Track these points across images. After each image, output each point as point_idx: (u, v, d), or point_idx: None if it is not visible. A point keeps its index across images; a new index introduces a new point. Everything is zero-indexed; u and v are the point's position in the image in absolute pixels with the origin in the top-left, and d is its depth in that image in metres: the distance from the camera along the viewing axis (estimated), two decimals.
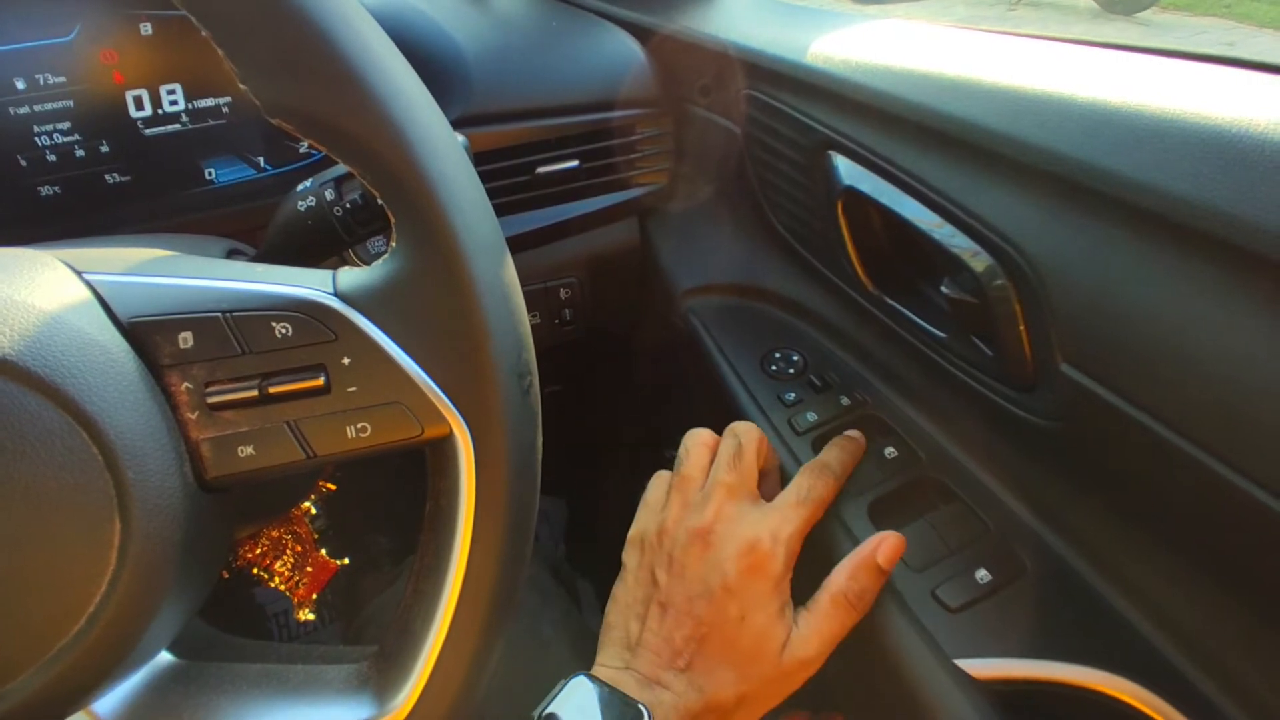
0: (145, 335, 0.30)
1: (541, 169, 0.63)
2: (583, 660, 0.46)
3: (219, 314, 0.30)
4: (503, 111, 0.61)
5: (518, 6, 0.70)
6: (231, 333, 0.30)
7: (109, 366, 0.28)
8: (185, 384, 0.30)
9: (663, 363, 0.75)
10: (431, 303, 0.30)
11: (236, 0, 0.27)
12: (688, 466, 0.50)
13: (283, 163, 0.62)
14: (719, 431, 0.52)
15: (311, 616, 0.62)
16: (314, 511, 0.64)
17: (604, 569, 0.98)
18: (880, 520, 0.50)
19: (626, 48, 0.66)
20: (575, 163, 0.64)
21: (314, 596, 0.56)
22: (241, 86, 0.29)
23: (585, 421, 0.86)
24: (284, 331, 0.30)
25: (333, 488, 0.65)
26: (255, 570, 0.57)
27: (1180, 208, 0.32)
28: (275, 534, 0.59)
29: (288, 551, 0.58)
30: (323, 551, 0.61)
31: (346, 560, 0.61)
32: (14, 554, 0.27)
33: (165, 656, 0.34)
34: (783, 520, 0.46)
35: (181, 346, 0.30)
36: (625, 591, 0.49)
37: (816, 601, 0.46)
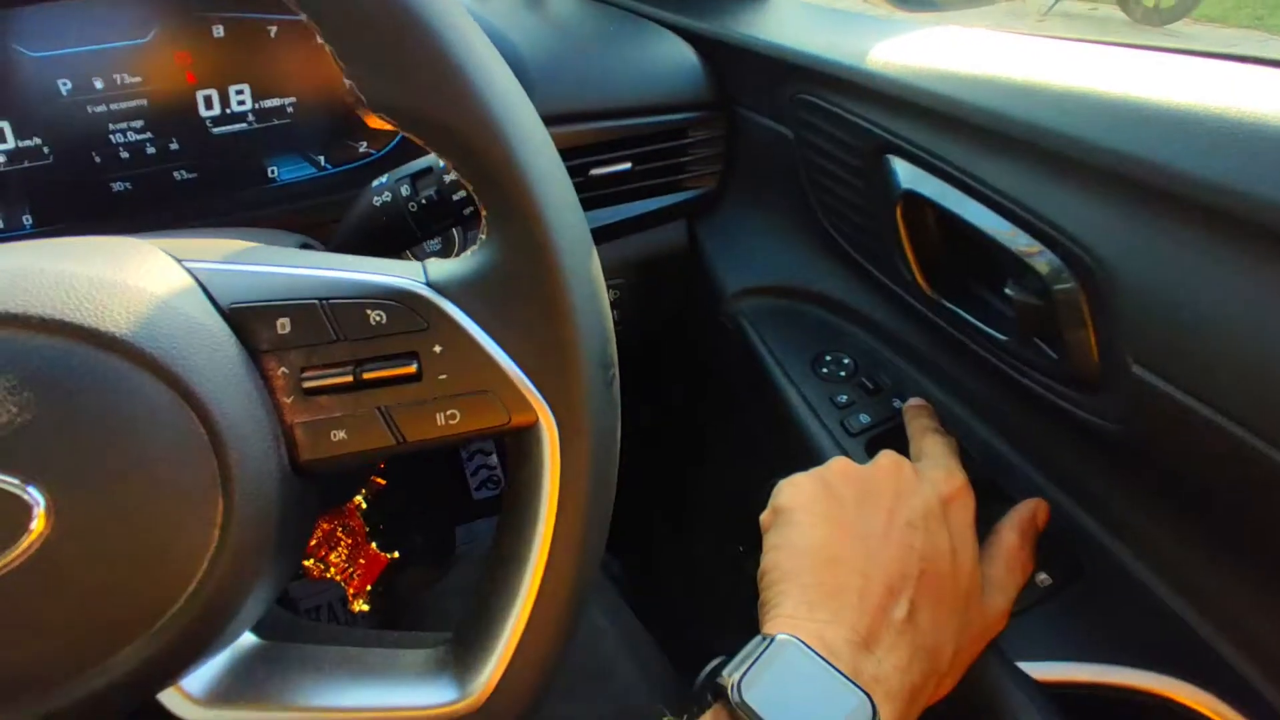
0: (245, 321, 0.31)
1: (595, 171, 0.64)
2: (633, 653, 0.46)
3: (315, 301, 0.31)
4: (559, 114, 0.62)
5: (574, 11, 0.72)
6: (328, 319, 0.31)
7: (214, 349, 0.29)
8: (282, 369, 0.31)
9: (711, 364, 0.75)
10: (522, 294, 0.31)
11: (345, 1, 0.28)
12: None
13: (342, 161, 0.63)
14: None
15: (366, 607, 0.63)
16: (364, 505, 0.65)
17: (640, 570, 0.99)
18: None
19: (680, 52, 0.67)
20: (628, 165, 0.65)
21: (368, 588, 0.57)
22: (346, 83, 0.30)
23: (630, 421, 0.87)
24: (378, 319, 0.31)
25: (383, 483, 0.66)
26: (311, 561, 0.58)
27: (1263, 211, 0.32)
28: (328, 526, 0.60)
29: (341, 544, 0.59)
30: (373, 545, 0.62)
31: (396, 554, 0.62)
32: (122, 528, 0.28)
33: (248, 637, 0.35)
34: (949, 460, 0.47)
35: (280, 332, 0.31)
36: (800, 534, 0.42)
37: (993, 558, 0.44)
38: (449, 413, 0.31)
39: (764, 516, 0.45)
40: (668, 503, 0.88)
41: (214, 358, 0.29)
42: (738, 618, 0.80)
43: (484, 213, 0.31)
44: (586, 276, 0.32)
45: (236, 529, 0.29)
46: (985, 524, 0.48)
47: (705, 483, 0.79)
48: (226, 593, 0.30)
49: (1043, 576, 0.46)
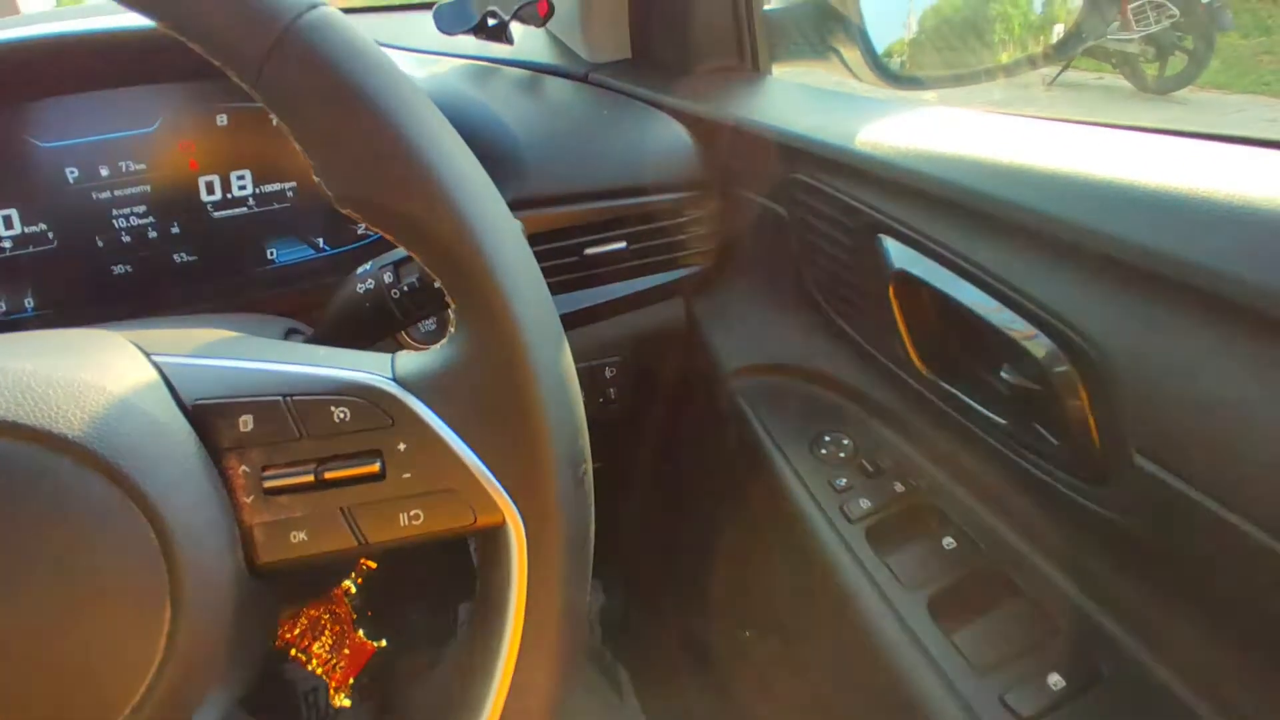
0: (208, 417, 0.30)
1: (590, 250, 0.64)
2: None
3: (279, 397, 0.30)
4: (554, 195, 0.63)
5: (569, 94, 0.73)
6: (291, 416, 0.30)
7: (171, 449, 0.29)
8: (243, 467, 0.30)
9: (707, 443, 0.74)
10: (489, 390, 0.30)
11: (313, 100, 0.28)
12: None
13: (340, 244, 0.64)
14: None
15: (348, 703, 0.60)
16: (354, 590, 0.63)
17: (643, 657, 0.95)
18: (941, 616, 0.47)
19: (674, 134, 0.68)
20: (623, 244, 0.65)
21: (350, 680, 0.55)
22: (315, 179, 0.30)
23: (626, 500, 0.85)
24: (342, 416, 0.30)
25: (374, 565, 0.64)
26: (293, 651, 0.56)
27: (1257, 297, 0.31)
28: (314, 613, 0.58)
29: (326, 632, 0.57)
30: (360, 632, 0.60)
31: (384, 642, 0.60)
32: (64, 637, 0.27)
33: None
34: None
35: (242, 430, 0.30)
36: None
37: None
38: (412, 513, 0.30)
39: None
40: (670, 586, 0.85)
41: (171, 458, 0.28)
42: (739, 702, 0.76)
43: (452, 306, 0.31)
44: (556, 371, 0.31)
45: (185, 638, 0.28)
46: (1002, 623, 0.46)
47: (708, 566, 0.77)
48: (176, 703, 0.28)
49: (1055, 678, 0.43)
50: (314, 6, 0.28)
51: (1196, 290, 0.34)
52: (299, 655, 0.56)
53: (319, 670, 0.56)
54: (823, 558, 0.53)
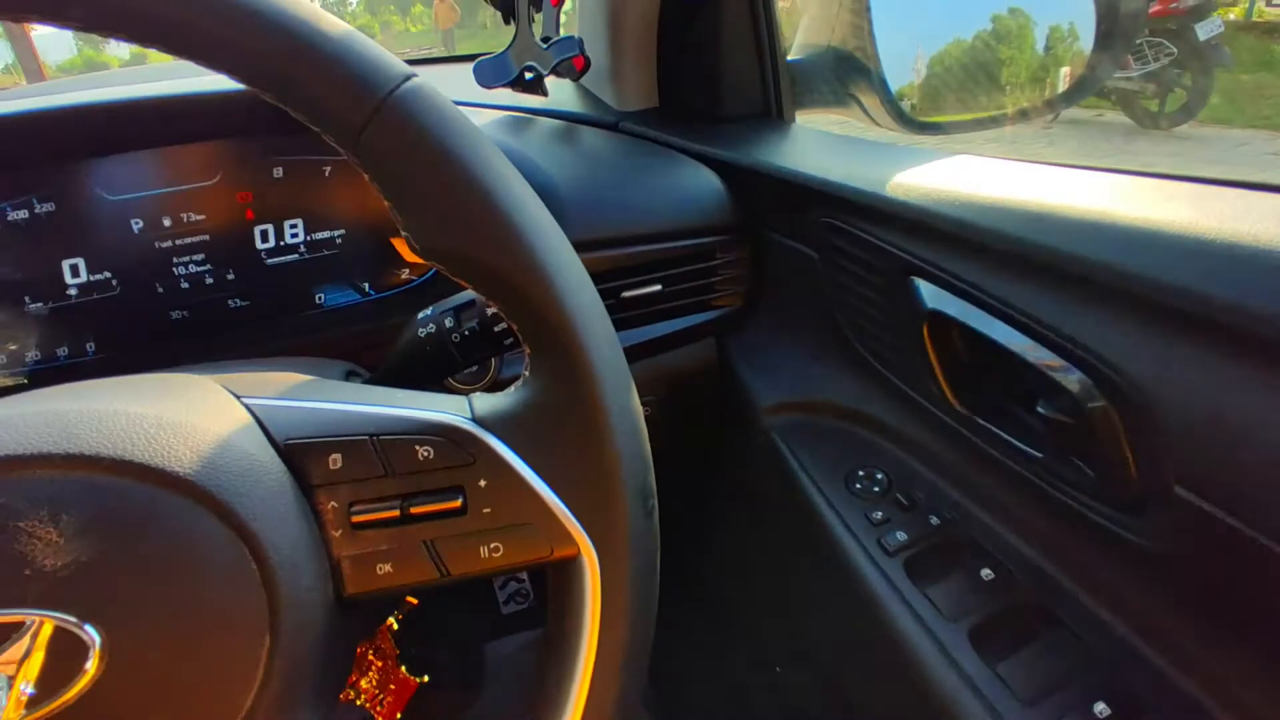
0: (299, 456, 0.32)
1: (627, 293, 0.66)
2: None
3: (366, 437, 0.32)
4: (592, 240, 0.65)
5: (605, 143, 0.76)
6: (378, 454, 0.32)
7: (269, 485, 0.30)
8: (332, 503, 0.32)
9: (743, 480, 0.75)
10: (565, 429, 0.32)
11: (409, 163, 0.31)
12: None
13: (386, 288, 0.67)
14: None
15: None
16: (396, 627, 0.64)
17: (678, 696, 0.95)
18: (983, 647, 0.48)
19: (706, 180, 0.71)
20: (658, 286, 0.67)
21: (398, 716, 0.56)
22: (403, 234, 0.32)
23: (664, 539, 0.86)
24: (426, 454, 0.32)
25: (415, 602, 0.65)
26: None
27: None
28: (360, 649, 0.59)
29: (372, 668, 0.58)
30: (403, 669, 0.61)
31: (426, 678, 0.60)
32: (173, 664, 0.28)
33: None
34: None
35: (331, 467, 0.32)
36: None
37: None
38: (493, 545, 0.32)
39: None
40: (704, 621, 0.86)
41: (269, 493, 0.30)
42: None
43: (528, 350, 0.33)
44: (627, 410, 0.33)
45: (282, 662, 0.29)
46: (1044, 653, 0.47)
47: (743, 600, 0.77)
48: None
49: (1102, 707, 0.44)
50: (409, 78, 0.31)
51: (1226, 325, 0.35)
52: (348, 691, 0.57)
53: (367, 705, 0.57)
54: (863, 590, 0.54)
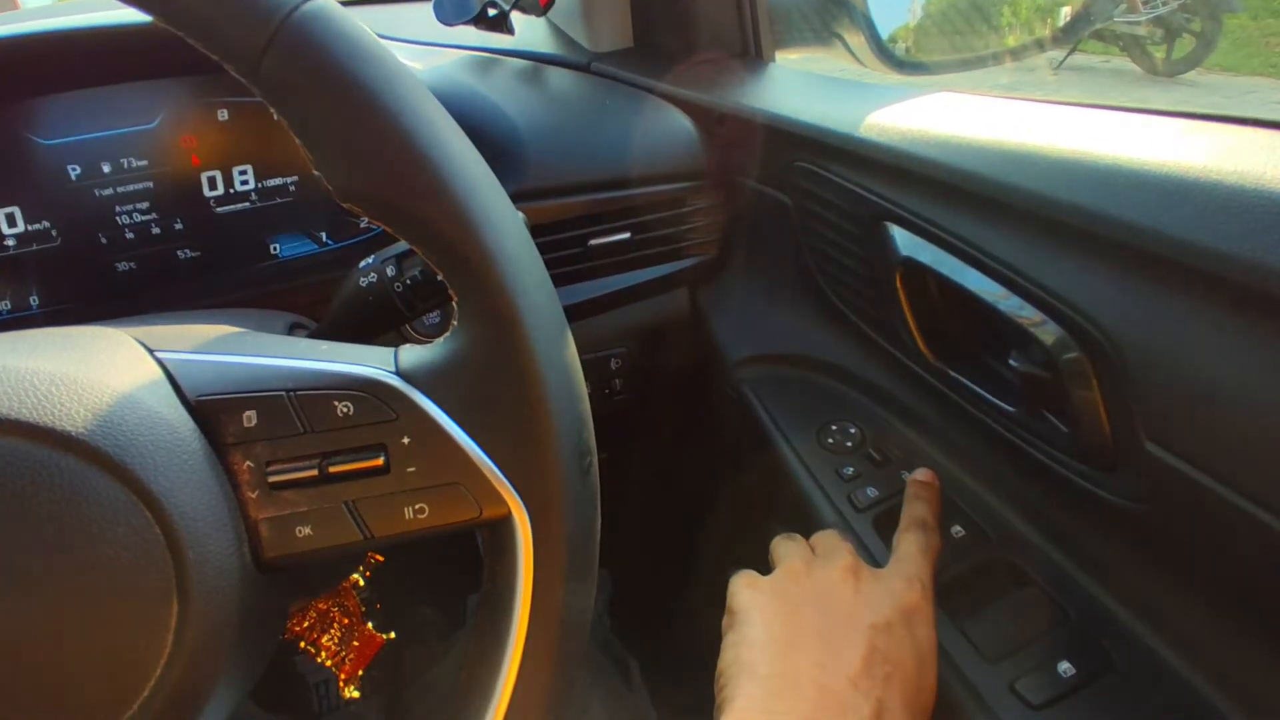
0: (211, 413, 0.30)
1: (594, 241, 0.64)
2: None
3: (283, 393, 0.30)
4: (557, 186, 0.63)
5: (571, 84, 0.73)
6: (295, 411, 0.30)
7: (175, 445, 0.29)
8: (248, 463, 0.30)
9: (714, 433, 0.74)
10: (493, 382, 0.30)
11: (312, 94, 0.28)
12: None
13: (343, 238, 0.64)
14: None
15: (356, 695, 0.61)
16: (361, 583, 0.64)
17: (651, 643, 0.95)
18: (949, 604, 0.47)
19: (677, 123, 0.67)
20: (627, 235, 0.65)
21: (360, 673, 0.55)
22: (315, 173, 0.29)
23: (633, 492, 0.85)
24: (346, 410, 0.30)
25: (381, 559, 0.64)
26: (302, 644, 0.56)
27: (1266, 279, 0.31)
28: (323, 606, 0.58)
29: (335, 625, 0.57)
30: (369, 625, 0.60)
31: (393, 634, 0.60)
32: (73, 634, 0.27)
33: None
34: (918, 567, 0.44)
35: (246, 425, 0.30)
36: (756, 630, 0.41)
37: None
38: (417, 506, 0.30)
39: (724, 620, 0.44)
40: (678, 576, 0.85)
41: (175, 454, 0.28)
42: None
43: (455, 299, 0.31)
44: (561, 362, 0.31)
45: (193, 632, 0.28)
46: (1012, 611, 0.46)
47: (713, 555, 0.77)
48: (184, 698, 0.28)
49: (1066, 666, 0.43)
50: None
51: (1206, 274, 0.33)
52: (309, 648, 0.56)
53: (328, 663, 0.56)
54: None
